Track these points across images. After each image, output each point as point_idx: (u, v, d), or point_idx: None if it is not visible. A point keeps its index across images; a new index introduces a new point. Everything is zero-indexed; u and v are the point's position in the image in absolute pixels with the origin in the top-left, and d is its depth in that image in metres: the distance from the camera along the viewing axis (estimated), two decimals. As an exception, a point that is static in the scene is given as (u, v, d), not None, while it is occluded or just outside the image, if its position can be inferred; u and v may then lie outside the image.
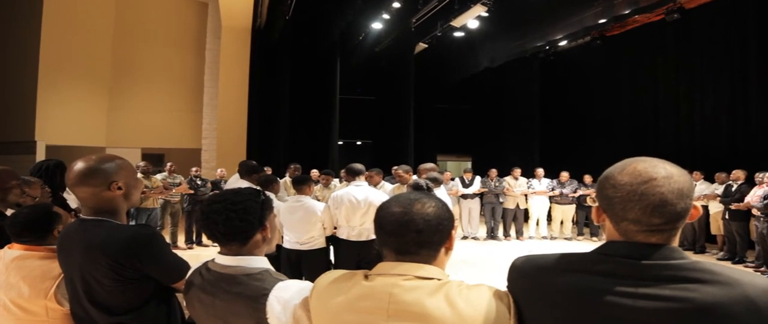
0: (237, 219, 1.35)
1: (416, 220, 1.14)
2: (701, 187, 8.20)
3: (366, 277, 1.17)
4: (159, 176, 8.02)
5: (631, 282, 0.96)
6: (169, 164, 8.42)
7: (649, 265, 0.97)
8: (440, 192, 4.74)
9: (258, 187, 1.73)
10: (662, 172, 0.99)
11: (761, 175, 7.03)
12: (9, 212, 2.25)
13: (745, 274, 0.95)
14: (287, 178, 7.24)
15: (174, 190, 7.99)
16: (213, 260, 1.44)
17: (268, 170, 7.63)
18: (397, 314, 1.09)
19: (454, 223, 1.21)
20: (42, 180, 2.93)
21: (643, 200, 0.98)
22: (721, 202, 7.71)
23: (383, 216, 1.18)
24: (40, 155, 11.23)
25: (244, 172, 5.64)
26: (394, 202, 1.19)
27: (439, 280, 1.13)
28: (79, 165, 1.64)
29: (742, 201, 7.17)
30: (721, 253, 7.92)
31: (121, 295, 1.56)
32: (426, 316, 1.06)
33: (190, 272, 1.53)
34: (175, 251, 1.69)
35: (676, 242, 1.02)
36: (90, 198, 1.64)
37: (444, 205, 1.20)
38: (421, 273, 1.13)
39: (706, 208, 8.18)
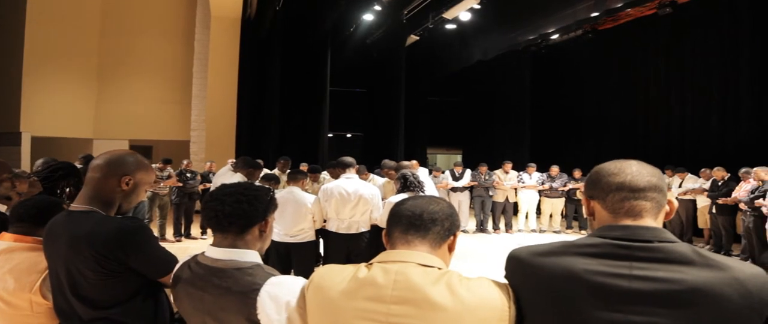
0: (246, 202, 1.38)
1: (431, 209, 1.24)
2: (688, 184, 8.30)
3: (367, 266, 1.20)
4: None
5: (625, 264, 1.01)
6: (169, 169, 8.18)
7: (641, 247, 1.02)
8: (428, 184, 4.75)
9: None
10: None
11: (745, 170, 7.16)
12: None
13: (732, 260, 1.02)
14: (277, 171, 7.21)
15: (163, 184, 7.93)
16: (203, 253, 1.41)
17: (260, 162, 7.59)
18: (401, 300, 1.11)
19: (458, 228, 1.29)
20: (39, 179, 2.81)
21: (626, 167, 1.11)
22: (708, 196, 7.82)
23: (400, 205, 1.28)
24: (26, 147, 11.07)
25: (242, 165, 5.55)
26: (412, 199, 1.30)
27: (439, 269, 1.17)
28: (112, 152, 1.71)
29: (730, 196, 7.29)
30: (708, 247, 8.01)
31: (106, 288, 1.53)
32: (429, 302, 1.09)
33: (178, 266, 1.50)
34: (163, 244, 1.65)
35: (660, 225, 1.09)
36: (95, 182, 1.65)
37: (454, 208, 1.31)
38: (424, 261, 1.17)
39: (693, 202, 8.31)
